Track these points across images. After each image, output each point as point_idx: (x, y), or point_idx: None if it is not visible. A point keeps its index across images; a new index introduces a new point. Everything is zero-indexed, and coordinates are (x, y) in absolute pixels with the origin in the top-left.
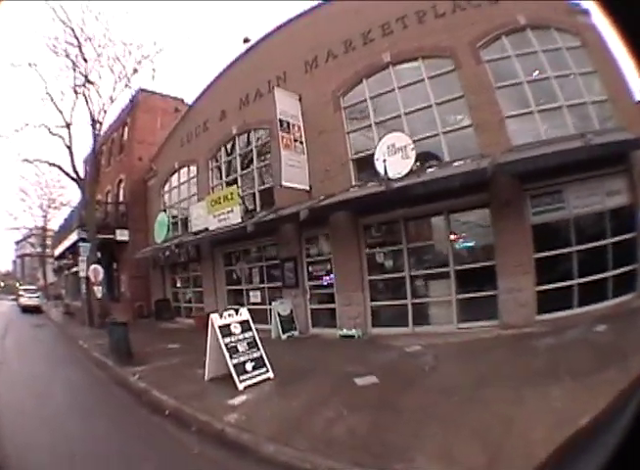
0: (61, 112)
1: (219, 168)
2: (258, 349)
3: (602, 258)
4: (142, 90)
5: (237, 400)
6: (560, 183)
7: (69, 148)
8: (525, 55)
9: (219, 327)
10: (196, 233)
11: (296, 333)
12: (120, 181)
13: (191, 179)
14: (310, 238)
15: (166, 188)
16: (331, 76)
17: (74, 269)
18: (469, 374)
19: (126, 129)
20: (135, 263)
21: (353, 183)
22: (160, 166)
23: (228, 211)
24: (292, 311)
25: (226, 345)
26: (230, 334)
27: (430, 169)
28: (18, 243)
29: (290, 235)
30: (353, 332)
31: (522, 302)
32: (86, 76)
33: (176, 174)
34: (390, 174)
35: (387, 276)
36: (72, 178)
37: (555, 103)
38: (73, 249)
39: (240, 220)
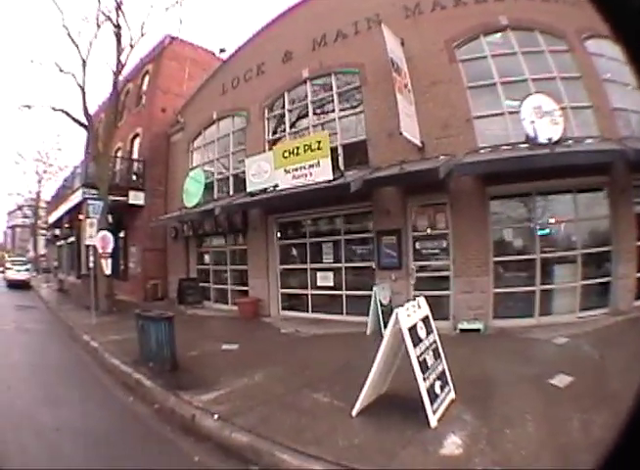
0: (77, 46)
1: (280, 118)
2: (441, 359)
3: None
4: (171, 37)
5: (461, 454)
6: None
7: (82, 88)
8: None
9: (408, 330)
10: (253, 194)
11: None
12: (135, 136)
13: (235, 132)
14: (419, 207)
15: (198, 143)
16: (440, 26)
17: (71, 239)
18: None
19: (146, 79)
20: (150, 233)
21: (480, 144)
22: (189, 119)
23: (311, 166)
24: (390, 300)
25: (417, 357)
26: (419, 340)
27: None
28: (10, 213)
29: (391, 202)
30: (477, 325)
31: (629, 288)
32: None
33: (214, 126)
34: (541, 138)
35: (515, 258)
36: (82, 124)
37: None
38: (73, 213)
39: (331, 177)
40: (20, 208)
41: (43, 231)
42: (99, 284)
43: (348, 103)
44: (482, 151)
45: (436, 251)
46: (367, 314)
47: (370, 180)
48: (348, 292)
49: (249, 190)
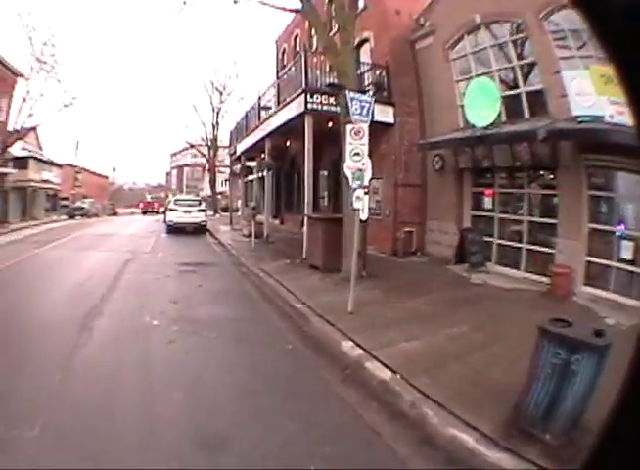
0: None
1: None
2: None
3: None
4: None
5: None
6: None
7: None
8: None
9: None
10: (582, 120)
11: None
12: (362, 43)
13: (516, 41)
14: None
15: (458, 52)
16: None
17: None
18: None
19: None
20: (405, 163)
21: None
22: (439, 22)
23: None
24: None
25: None
26: None
27: None
28: (173, 155)
29: None
30: None
31: None
32: None
33: (479, 32)
34: None
35: None
36: (293, 10)
37: None
38: (280, 132)
39: None
40: (192, 146)
41: (222, 169)
42: (346, 234)
43: None
44: None
45: None
46: None
47: None
48: None
49: (575, 112)
